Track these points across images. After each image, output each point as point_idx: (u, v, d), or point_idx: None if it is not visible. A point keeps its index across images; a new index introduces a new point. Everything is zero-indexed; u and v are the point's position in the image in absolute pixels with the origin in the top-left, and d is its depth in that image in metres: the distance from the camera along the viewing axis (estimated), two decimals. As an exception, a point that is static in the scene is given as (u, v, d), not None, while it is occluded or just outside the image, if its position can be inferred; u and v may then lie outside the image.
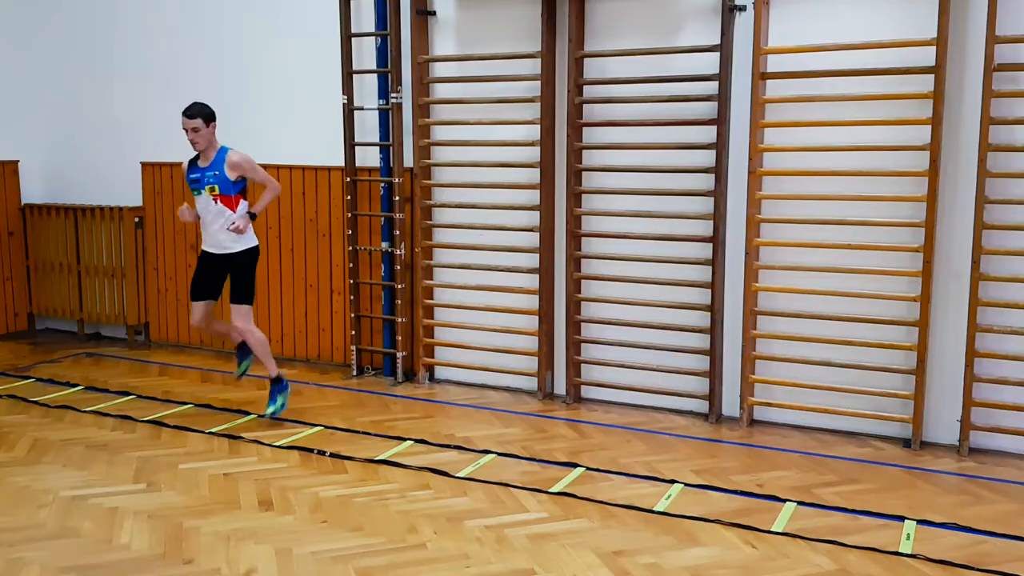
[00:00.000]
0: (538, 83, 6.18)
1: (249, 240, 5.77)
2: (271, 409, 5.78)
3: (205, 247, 5.83)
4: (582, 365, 6.40)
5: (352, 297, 7.00)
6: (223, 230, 5.68)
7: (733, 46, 5.60)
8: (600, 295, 6.30)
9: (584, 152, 6.19)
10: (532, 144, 6.27)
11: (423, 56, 6.57)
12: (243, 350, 6.09)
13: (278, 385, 5.84)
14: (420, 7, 6.50)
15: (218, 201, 5.65)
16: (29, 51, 8.19)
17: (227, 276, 5.82)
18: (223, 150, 5.69)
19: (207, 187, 5.66)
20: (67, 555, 4.07)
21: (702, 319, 5.96)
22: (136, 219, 7.92)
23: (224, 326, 6.11)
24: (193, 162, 5.77)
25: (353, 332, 7.05)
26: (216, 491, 4.80)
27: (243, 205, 5.70)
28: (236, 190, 5.68)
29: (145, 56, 7.77)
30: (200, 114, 5.60)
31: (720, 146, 5.70)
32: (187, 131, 5.62)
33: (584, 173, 6.21)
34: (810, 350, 5.68)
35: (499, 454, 5.34)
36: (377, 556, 4.06)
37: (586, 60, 6.10)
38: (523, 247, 6.44)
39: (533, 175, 6.32)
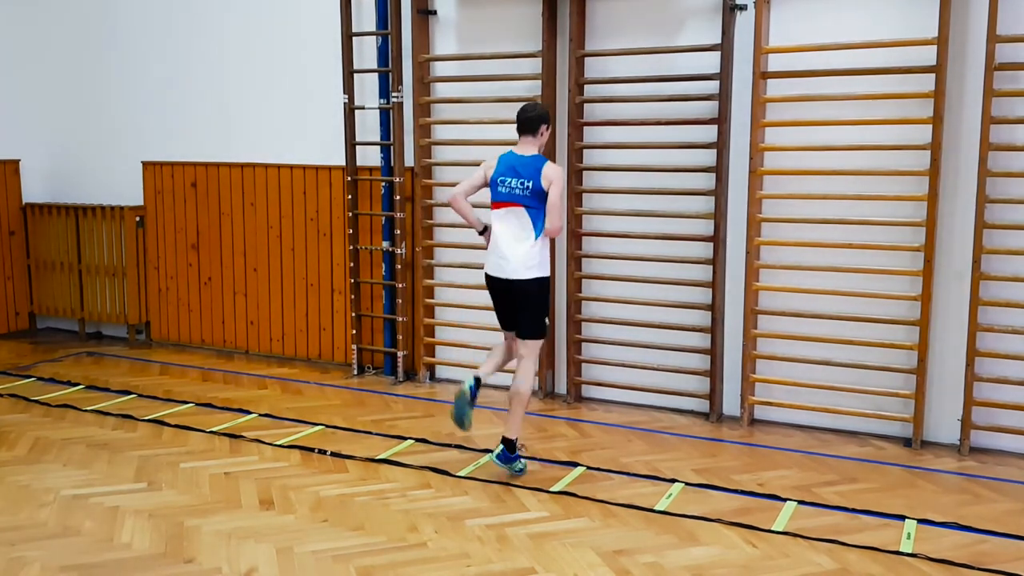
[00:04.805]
0: (539, 82, 6.17)
1: (541, 268, 4.91)
2: (502, 459, 4.99)
3: (488, 269, 5.02)
4: (583, 364, 6.40)
5: (353, 296, 7.00)
6: (523, 248, 4.86)
7: (734, 45, 5.60)
8: (601, 294, 6.29)
9: (585, 151, 6.19)
10: (533, 143, 6.27)
11: (424, 55, 6.57)
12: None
13: (509, 447, 4.99)
14: (421, 6, 6.50)
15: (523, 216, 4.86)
16: (31, 51, 8.18)
17: (514, 304, 4.99)
18: (539, 160, 4.90)
19: None
20: (68, 554, 4.07)
21: (703, 318, 5.96)
22: (137, 218, 7.92)
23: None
24: None
25: (354, 331, 7.04)
26: (217, 490, 4.81)
27: (541, 226, 4.88)
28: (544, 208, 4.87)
29: (146, 55, 7.77)
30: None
31: (721, 145, 5.70)
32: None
33: (585, 172, 6.21)
34: (811, 349, 5.68)
35: (500, 453, 5.34)
36: (378, 555, 4.06)
37: (587, 59, 6.09)
38: (524, 246, 6.44)
39: (534, 174, 6.32)
